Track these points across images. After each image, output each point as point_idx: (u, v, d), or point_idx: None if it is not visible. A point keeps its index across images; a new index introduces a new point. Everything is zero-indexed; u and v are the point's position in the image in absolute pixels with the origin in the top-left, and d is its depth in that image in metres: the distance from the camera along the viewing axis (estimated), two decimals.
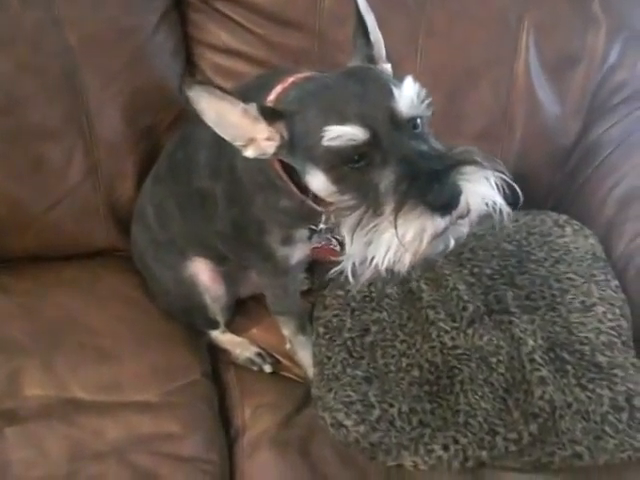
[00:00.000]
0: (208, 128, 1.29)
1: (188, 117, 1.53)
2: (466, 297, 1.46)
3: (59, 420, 1.31)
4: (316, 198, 1.15)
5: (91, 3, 1.46)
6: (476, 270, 1.51)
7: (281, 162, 1.14)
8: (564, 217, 1.61)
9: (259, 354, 1.55)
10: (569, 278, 1.48)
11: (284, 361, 1.56)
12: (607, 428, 1.29)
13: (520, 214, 1.61)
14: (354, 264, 1.04)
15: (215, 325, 1.56)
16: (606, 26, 1.63)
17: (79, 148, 1.52)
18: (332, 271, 1.07)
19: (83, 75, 1.47)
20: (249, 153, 1.08)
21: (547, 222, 1.59)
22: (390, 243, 0.98)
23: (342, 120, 1.01)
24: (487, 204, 1.01)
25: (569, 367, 1.36)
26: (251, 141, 1.08)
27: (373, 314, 1.46)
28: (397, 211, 0.96)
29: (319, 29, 1.54)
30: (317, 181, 1.07)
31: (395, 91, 1.04)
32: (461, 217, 1.00)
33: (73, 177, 1.53)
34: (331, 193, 1.06)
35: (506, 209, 1.03)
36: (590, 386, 1.34)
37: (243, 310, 1.63)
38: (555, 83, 1.66)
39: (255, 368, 1.53)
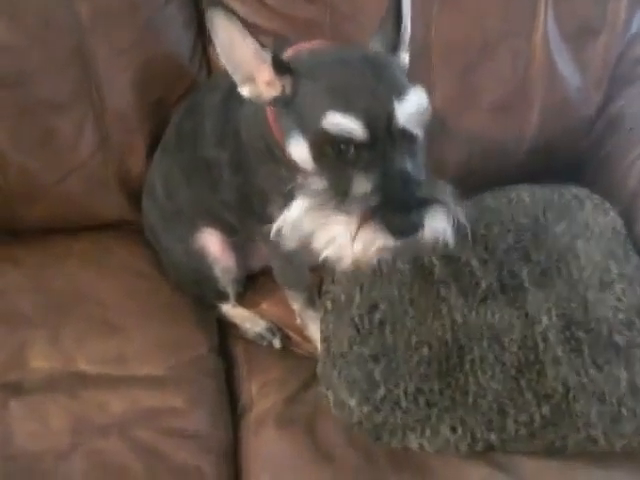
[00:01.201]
0: (217, 95, 1.30)
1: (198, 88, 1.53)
2: (479, 273, 1.42)
3: (63, 393, 1.31)
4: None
5: None
6: (490, 245, 1.46)
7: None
8: (584, 191, 1.55)
9: (269, 329, 1.53)
10: (587, 254, 1.43)
11: (294, 336, 1.54)
12: (624, 411, 1.25)
13: (537, 187, 1.56)
14: (285, 228, 1.07)
15: (225, 297, 1.54)
16: None
17: (89, 121, 1.51)
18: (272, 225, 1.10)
19: (93, 48, 1.46)
20: (245, 91, 1.10)
21: (566, 196, 1.53)
22: (337, 239, 1.01)
23: (348, 110, 1.01)
24: (439, 235, 1.05)
25: (585, 347, 1.32)
26: (251, 80, 1.09)
27: (382, 290, 1.41)
28: (360, 222, 0.99)
29: (331, 0, 1.50)
30: (299, 150, 1.08)
31: (402, 98, 1.03)
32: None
33: (83, 149, 1.53)
34: (306, 166, 1.08)
35: (451, 236, 1.06)
36: (606, 367, 1.29)
37: (254, 284, 1.61)
38: (575, 54, 1.60)
39: (264, 343, 1.52)
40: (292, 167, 1.15)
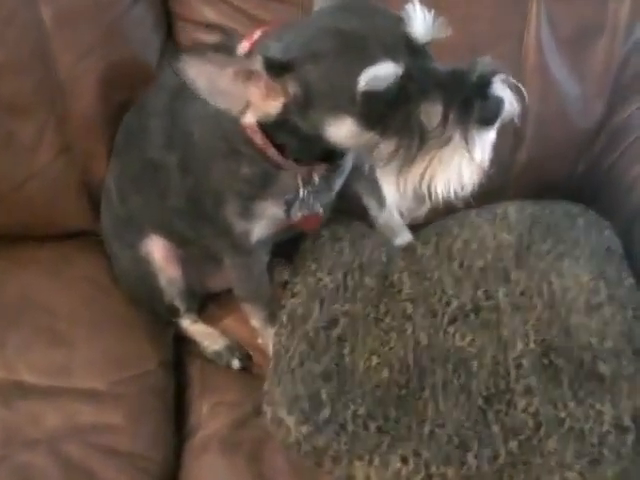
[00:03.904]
0: (165, 95, 1.24)
1: None
2: (451, 291, 1.30)
3: None
4: (296, 161, 1.12)
5: None
6: (466, 263, 1.34)
7: (259, 124, 1.06)
8: (579, 207, 1.42)
9: (228, 347, 1.44)
10: (574, 274, 1.29)
11: (256, 357, 1.44)
12: (606, 452, 1.11)
13: (528, 204, 1.43)
14: (399, 204, 1.05)
15: (175, 312, 1.45)
16: None
17: (51, 125, 1.45)
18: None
19: (55, 49, 1.40)
20: (249, 119, 1.01)
21: (557, 212, 1.40)
22: (461, 166, 0.96)
23: (373, 59, 0.93)
24: (513, 109, 1.00)
25: (564, 376, 1.19)
26: (248, 105, 0.99)
27: (345, 305, 1.31)
28: (465, 134, 0.94)
29: (303, 1, 1.42)
30: (346, 130, 0.99)
31: (404, 16, 0.97)
32: None
33: (44, 154, 1.47)
34: (366, 140, 0.99)
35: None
36: (588, 400, 1.16)
37: (217, 299, 1.52)
38: (572, 60, 1.48)
39: (223, 362, 1.43)
40: (258, 164, 1.12)
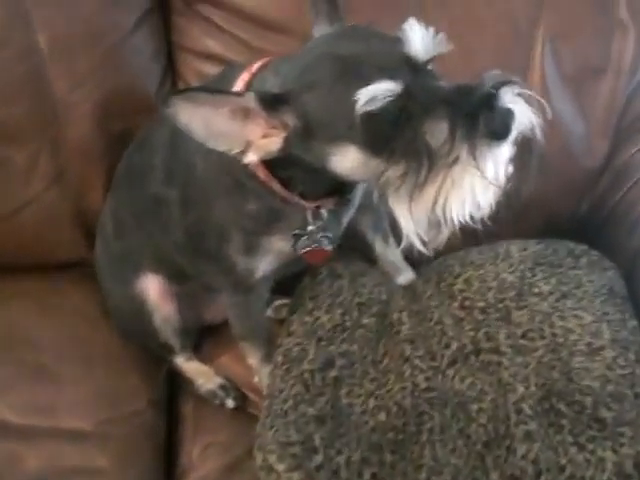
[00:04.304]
0: (166, 129, 1.21)
1: None
2: (451, 333, 1.26)
3: None
4: (302, 195, 1.08)
5: (63, 2, 1.38)
6: (467, 303, 1.31)
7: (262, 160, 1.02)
8: (582, 247, 1.40)
9: (223, 386, 1.40)
10: (576, 316, 1.26)
11: (252, 396, 1.41)
12: None
13: (531, 243, 1.40)
14: (417, 233, 0.95)
15: (170, 350, 1.42)
16: (635, 32, 1.42)
17: (45, 152, 1.42)
18: (400, 247, 0.99)
19: (50, 76, 1.38)
20: (251, 158, 0.96)
21: (560, 252, 1.37)
22: (473, 185, 0.90)
23: (369, 79, 0.89)
24: (529, 121, 0.94)
25: (565, 421, 1.14)
26: (248, 144, 0.95)
27: (342, 346, 1.27)
28: (473, 150, 0.88)
29: (304, 32, 1.40)
30: (351, 159, 0.95)
31: (402, 36, 0.94)
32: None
33: (38, 183, 1.44)
34: (372, 167, 0.94)
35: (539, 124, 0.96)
36: (590, 446, 1.11)
37: (214, 335, 1.48)
38: (577, 97, 1.46)
39: (217, 402, 1.39)
40: (265, 198, 1.08)
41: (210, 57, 1.47)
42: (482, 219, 0.95)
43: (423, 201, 0.92)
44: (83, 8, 1.39)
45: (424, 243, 0.96)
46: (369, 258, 1.43)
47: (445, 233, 0.96)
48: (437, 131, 0.90)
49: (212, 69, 1.45)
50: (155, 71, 1.48)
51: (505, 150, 0.92)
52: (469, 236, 1.05)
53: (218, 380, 1.41)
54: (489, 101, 0.89)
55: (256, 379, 1.38)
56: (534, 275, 1.33)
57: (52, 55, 1.38)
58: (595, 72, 1.45)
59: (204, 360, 1.45)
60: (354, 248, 1.41)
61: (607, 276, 1.34)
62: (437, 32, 0.95)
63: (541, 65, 1.43)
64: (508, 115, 0.90)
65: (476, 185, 0.90)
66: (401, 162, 0.92)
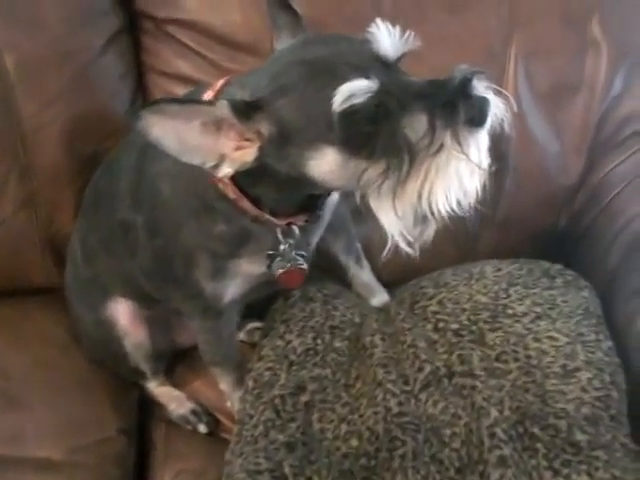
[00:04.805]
0: (132, 154, 1.19)
1: None
2: (424, 356, 1.24)
3: None
4: (273, 212, 1.06)
5: (31, 24, 1.36)
6: (441, 325, 1.29)
7: (232, 178, 1.01)
8: (557, 266, 1.38)
9: (194, 411, 1.38)
10: (550, 337, 1.24)
11: (225, 421, 1.38)
12: None
13: (505, 263, 1.39)
14: (402, 232, 0.94)
15: (141, 376, 1.39)
16: (608, 50, 1.42)
17: (14, 176, 1.40)
18: (384, 254, 0.95)
19: (18, 98, 1.37)
20: (225, 171, 0.93)
21: (535, 272, 1.36)
22: (459, 170, 0.90)
23: (344, 78, 0.87)
24: (500, 112, 0.94)
25: (539, 445, 1.12)
26: (222, 157, 0.93)
27: (314, 370, 1.25)
28: (456, 136, 0.88)
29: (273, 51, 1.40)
30: (330, 162, 0.92)
31: (370, 37, 0.93)
32: None
33: (7, 206, 1.42)
34: (352, 168, 0.92)
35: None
36: (564, 470, 1.09)
37: (186, 359, 1.46)
38: (550, 115, 1.45)
39: (189, 427, 1.37)
40: (235, 219, 1.07)
41: (180, 78, 1.46)
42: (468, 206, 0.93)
43: (407, 196, 0.91)
44: (51, 29, 1.38)
45: (409, 243, 0.95)
46: (342, 281, 1.42)
47: (432, 228, 0.95)
48: (416, 124, 0.89)
49: (182, 90, 1.43)
50: (125, 92, 1.46)
51: (485, 136, 0.92)
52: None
53: (190, 405, 1.39)
54: (465, 89, 0.89)
55: (228, 404, 1.36)
56: (508, 296, 1.32)
57: (20, 77, 1.36)
58: (569, 90, 1.45)
59: (176, 384, 1.43)
60: (327, 270, 1.39)
61: (582, 296, 1.32)
62: (404, 30, 0.94)
63: (514, 83, 1.42)
64: (485, 102, 0.90)
65: (462, 169, 0.90)
66: (381, 160, 0.90)
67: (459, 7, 1.42)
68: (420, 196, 0.90)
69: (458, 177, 0.90)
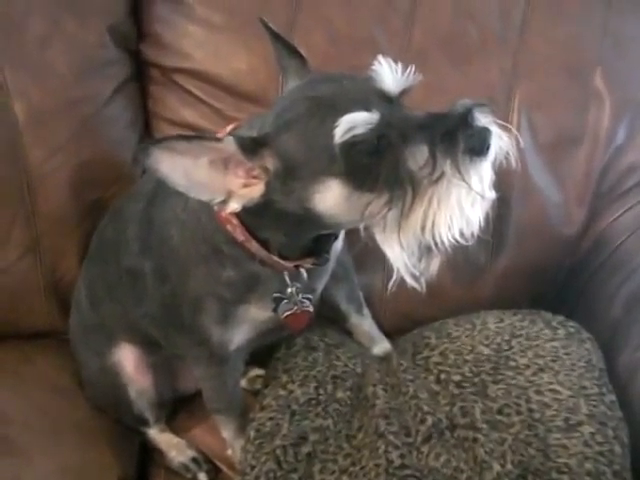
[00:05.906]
0: (140, 203, 1.20)
1: None
2: (426, 408, 1.24)
3: None
4: (281, 255, 1.06)
5: (40, 72, 1.38)
6: (443, 376, 1.29)
7: (238, 219, 1.02)
8: (559, 318, 1.38)
9: (195, 459, 1.37)
10: (553, 390, 1.24)
11: (225, 469, 1.37)
12: None
13: (508, 314, 1.39)
14: (408, 265, 0.94)
15: (144, 423, 1.39)
16: (610, 102, 1.44)
17: (19, 221, 1.41)
18: (390, 284, 0.95)
19: (26, 145, 1.38)
20: (233, 207, 0.94)
21: (538, 323, 1.36)
22: (460, 199, 0.90)
23: (345, 110, 0.89)
24: (504, 144, 0.95)
25: None
26: (230, 194, 0.94)
27: (316, 420, 1.25)
28: (456, 164, 0.89)
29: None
30: (334, 195, 0.93)
31: (372, 74, 0.95)
32: None
33: (11, 251, 1.43)
34: (356, 201, 0.93)
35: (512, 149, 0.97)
36: None
37: (188, 406, 1.45)
38: (553, 166, 1.46)
39: (189, 476, 1.36)
40: (244, 263, 1.07)
41: (186, 126, 1.48)
42: (472, 235, 0.93)
43: (411, 227, 0.91)
44: (59, 78, 1.40)
45: (415, 278, 0.94)
46: (344, 329, 1.42)
47: (436, 260, 0.95)
48: (418, 155, 0.90)
49: None
50: (131, 140, 1.48)
51: (487, 166, 0.92)
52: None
53: (190, 453, 1.38)
54: (465, 119, 0.90)
55: (230, 451, 1.35)
56: (511, 348, 1.32)
57: (28, 124, 1.38)
58: (571, 141, 1.46)
59: (177, 431, 1.42)
60: (329, 319, 1.39)
61: (585, 348, 1.32)
62: (405, 67, 0.96)
63: (517, 133, 1.43)
64: (485, 132, 0.91)
65: (463, 198, 0.90)
66: (385, 191, 0.91)
67: (462, 59, 1.44)
68: (423, 227, 0.91)
69: (459, 206, 0.90)
